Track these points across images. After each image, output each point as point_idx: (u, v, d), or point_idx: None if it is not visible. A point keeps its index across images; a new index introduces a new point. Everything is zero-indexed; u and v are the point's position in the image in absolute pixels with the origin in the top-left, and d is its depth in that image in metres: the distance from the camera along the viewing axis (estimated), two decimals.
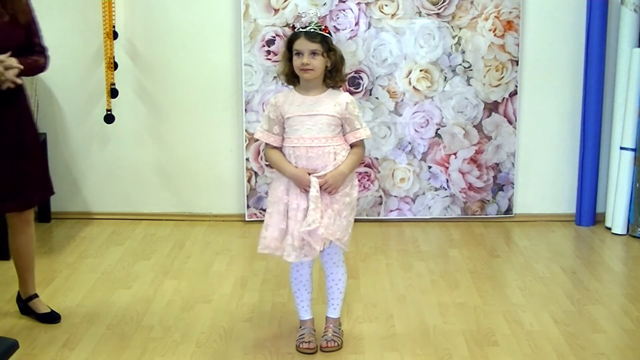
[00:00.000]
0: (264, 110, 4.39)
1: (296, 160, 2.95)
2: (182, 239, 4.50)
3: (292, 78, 3.00)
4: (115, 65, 4.61)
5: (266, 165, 4.69)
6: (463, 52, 4.66)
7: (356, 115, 2.99)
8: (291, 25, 3.13)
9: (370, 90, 4.69)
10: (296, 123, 2.95)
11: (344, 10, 4.61)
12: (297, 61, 2.91)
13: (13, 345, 0.72)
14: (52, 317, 3.34)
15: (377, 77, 4.68)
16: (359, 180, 4.01)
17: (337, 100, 2.97)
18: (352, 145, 3.00)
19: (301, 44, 2.90)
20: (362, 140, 3.01)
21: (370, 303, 3.56)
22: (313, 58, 2.89)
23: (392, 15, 4.62)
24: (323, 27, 2.95)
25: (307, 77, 2.93)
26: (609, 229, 4.62)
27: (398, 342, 3.16)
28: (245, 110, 4.69)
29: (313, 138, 2.94)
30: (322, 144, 2.94)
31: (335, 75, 2.96)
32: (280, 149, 3.00)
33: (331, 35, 2.98)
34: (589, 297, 3.62)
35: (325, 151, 2.94)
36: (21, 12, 3.10)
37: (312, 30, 2.90)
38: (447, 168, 4.79)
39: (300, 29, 2.92)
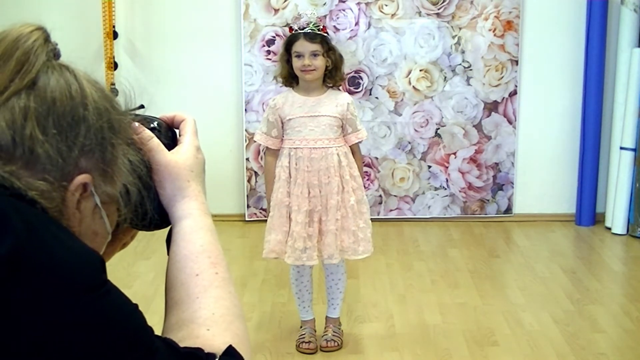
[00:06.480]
0: (264, 111, 4.39)
1: (297, 161, 2.93)
2: None
3: (290, 79, 2.99)
4: (115, 65, 4.61)
5: None
6: (463, 52, 4.66)
7: (356, 115, 3.00)
8: (289, 26, 3.12)
9: (370, 90, 4.69)
10: (298, 124, 2.94)
11: (344, 10, 4.61)
12: (297, 63, 2.90)
13: None
14: None
15: (377, 77, 4.68)
16: None
17: (338, 101, 2.96)
18: (351, 146, 3.00)
19: (301, 46, 2.89)
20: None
21: (370, 303, 3.56)
22: (314, 59, 2.89)
23: (392, 15, 4.62)
24: (321, 27, 2.94)
25: (308, 78, 2.92)
26: (609, 229, 4.62)
27: (398, 342, 3.16)
28: (245, 110, 4.69)
29: (316, 139, 2.93)
30: (325, 145, 2.93)
31: (335, 74, 2.96)
32: (278, 150, 3.00)
33: (329, 35, 2.98)
34: (589, 297, 3.62)
35: (328, 152, 2.93)
36: None
37: (311, 31, 2.90)
38: (447, 168, 4.78)
39: (299, 30, 2.91)
